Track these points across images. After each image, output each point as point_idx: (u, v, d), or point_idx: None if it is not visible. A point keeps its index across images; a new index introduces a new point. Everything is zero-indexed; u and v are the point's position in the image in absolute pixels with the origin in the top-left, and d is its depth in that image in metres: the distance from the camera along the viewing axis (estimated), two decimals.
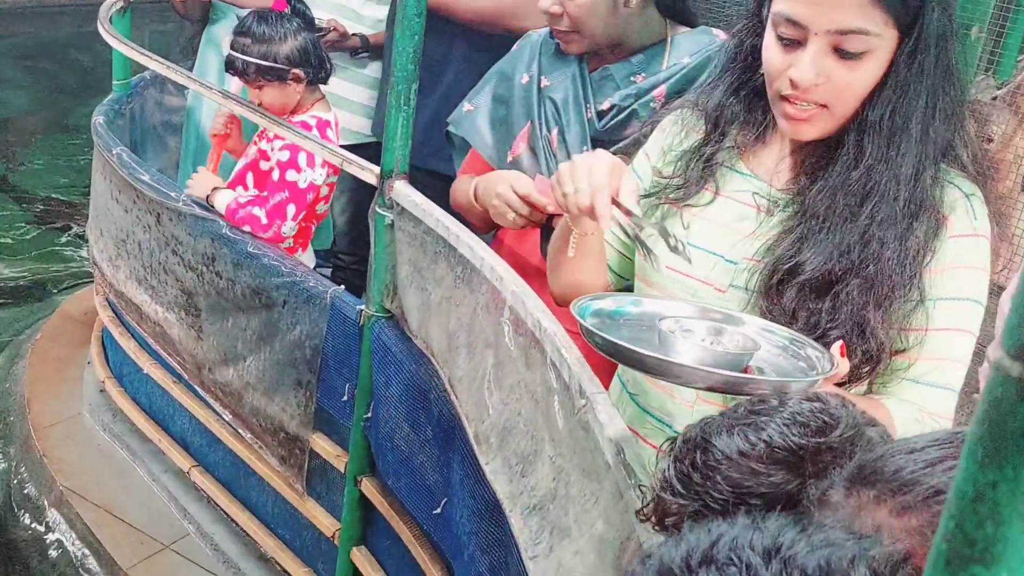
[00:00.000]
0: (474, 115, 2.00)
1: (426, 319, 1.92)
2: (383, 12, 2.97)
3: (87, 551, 2.93)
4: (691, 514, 0.88)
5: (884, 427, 0.91)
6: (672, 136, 1.46)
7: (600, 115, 1.85)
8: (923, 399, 1.26)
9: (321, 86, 2.55)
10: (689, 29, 1.90)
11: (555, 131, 1.87)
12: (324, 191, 2.54)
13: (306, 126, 2.48)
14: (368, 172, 2.06)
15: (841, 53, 1.20)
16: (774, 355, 1.17)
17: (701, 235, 1.38)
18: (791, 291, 1.27)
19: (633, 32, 1.85)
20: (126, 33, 3.14)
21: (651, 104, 1.81)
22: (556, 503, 1.36)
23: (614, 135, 1.84)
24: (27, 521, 3.13)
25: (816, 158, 1.32)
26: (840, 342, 1.14)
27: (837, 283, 1.25)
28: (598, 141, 1.84)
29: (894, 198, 1.24)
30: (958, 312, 1.26)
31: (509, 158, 1.91)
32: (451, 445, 1.83)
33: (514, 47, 2.02)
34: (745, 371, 1.12)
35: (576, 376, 1.33)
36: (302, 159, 2.42)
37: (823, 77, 1.22)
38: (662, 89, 1.82)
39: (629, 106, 1.83)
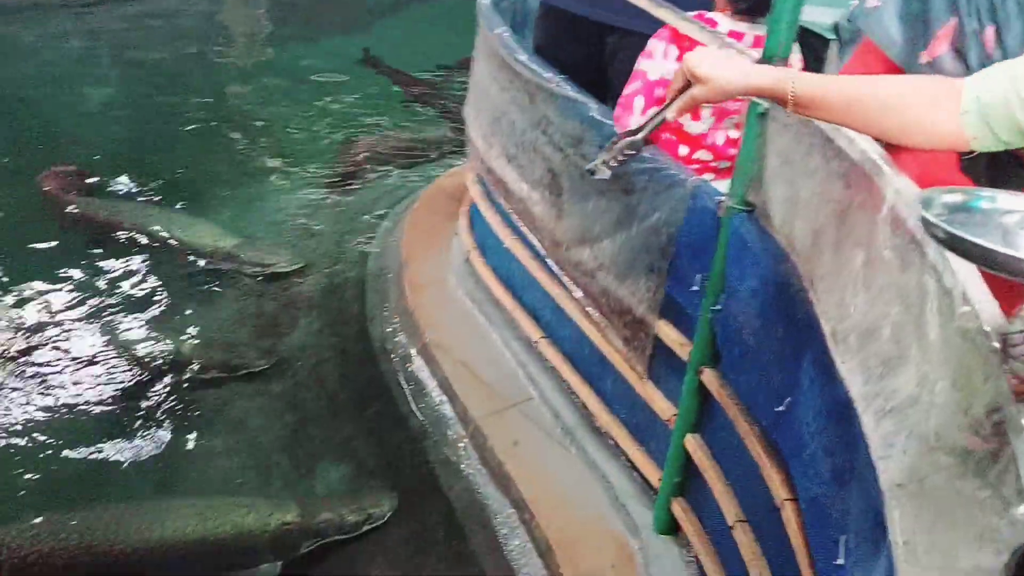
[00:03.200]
0: (880, 11, 1.84)
1: (791, 214, 1.87)
2: None
3: (444, 397, 3.26)
4: None
5: None
6: None
7: None
8: None
9: None
10: None
11: (990, 29, 1.69)
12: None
13: (711, 22, 2.42)
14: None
15: None
16: None
17: None
18: None
19: None
20: None
21: None
22: (917, 408, 1.29)
23: None
24: (396, 361, 3.53)
25: None
26: None
27: None
28: None
29: None
30: None
31: (924, 59, 1.73)
32: (804, 344, 1.79)
33: None
34: None
35: (961, 282, 1.24)
36: (658, 48, 2.36)
37: None
38: None
39: None
